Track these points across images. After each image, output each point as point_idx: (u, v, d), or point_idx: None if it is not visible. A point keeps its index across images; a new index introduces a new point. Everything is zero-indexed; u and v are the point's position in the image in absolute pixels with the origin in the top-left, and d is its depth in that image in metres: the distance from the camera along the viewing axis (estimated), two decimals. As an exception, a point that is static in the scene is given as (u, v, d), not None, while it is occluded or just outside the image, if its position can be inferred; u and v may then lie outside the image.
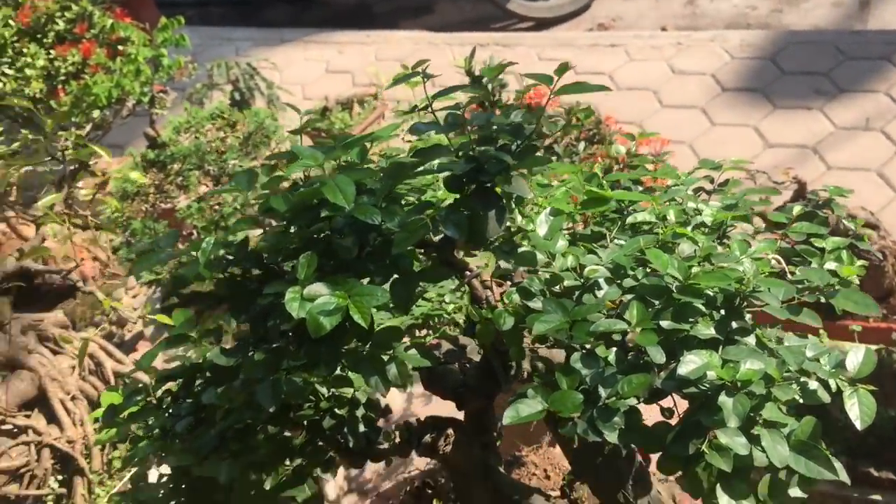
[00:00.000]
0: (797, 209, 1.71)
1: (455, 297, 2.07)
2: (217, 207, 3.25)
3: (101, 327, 3.30)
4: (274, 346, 1.24)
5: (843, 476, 1.13)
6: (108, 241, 3.78)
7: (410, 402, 3.52)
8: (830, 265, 1.58)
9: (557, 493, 2.14)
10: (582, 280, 1.28)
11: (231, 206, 2.83)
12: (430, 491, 2.11)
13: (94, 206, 2.93)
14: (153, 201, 3.50)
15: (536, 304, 1.24)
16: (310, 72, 6.13)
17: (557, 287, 1.29)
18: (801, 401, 1.20)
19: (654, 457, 1.22)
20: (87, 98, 3.90)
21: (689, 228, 1.52)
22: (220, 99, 3.96)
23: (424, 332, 2.03)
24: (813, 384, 1.23)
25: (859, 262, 1.63)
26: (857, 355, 1.21)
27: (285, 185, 1.39)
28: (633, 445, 1.61)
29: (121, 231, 3.20)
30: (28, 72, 3.96)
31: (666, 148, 2.84)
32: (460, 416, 1.65)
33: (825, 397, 1.22)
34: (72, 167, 2.75)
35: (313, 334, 1.11)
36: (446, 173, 1.28)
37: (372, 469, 3.28)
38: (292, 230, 1.28)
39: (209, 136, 3.29)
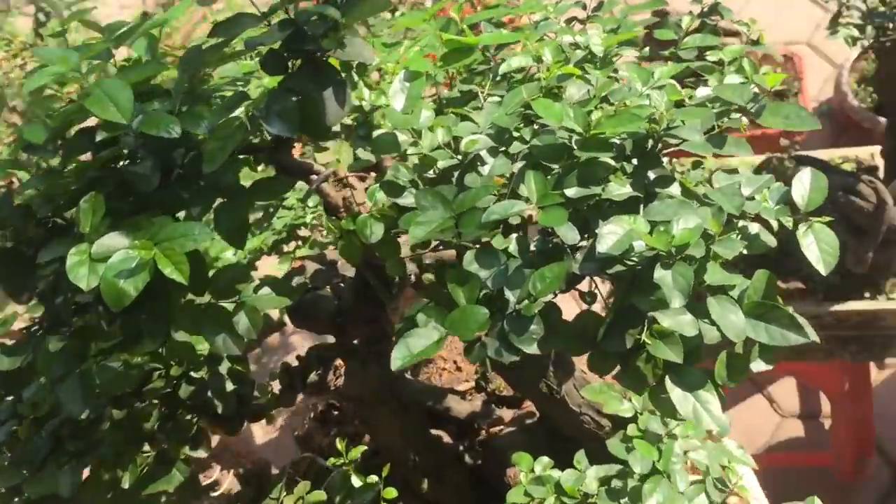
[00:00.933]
0: (686, 20, 1.43)
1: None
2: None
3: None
4: (78, 326, 0.90)
5: (813, 336, 0.90)
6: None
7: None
8: (733, 79, 1.34)
9: (472, 384, 1.92)
10: (459, 157, 0.97)
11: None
12: (336, 413, 1.84)
13: None
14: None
15: (409, 199, 0.93)
16: (122, -26, 5.39)
17: (432, 172, 0.99)
18: (745, 252, 0.96)
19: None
20: None
21: (571, 66, 1.23)
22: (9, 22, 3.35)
23: (294, 245, 1.70)
24: (753, 227, 0.99)
25: (764, 69, 1.39)
26: (803, 182, 0.96)
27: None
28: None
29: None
30: None
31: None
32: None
33: (771, 241, 0.98)
34: None
35: (114, 307, 0.78)
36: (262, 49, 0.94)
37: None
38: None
39: (4, 66, 2.76)
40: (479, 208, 0.88)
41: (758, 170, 2.28)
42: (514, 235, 0.94)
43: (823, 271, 0.90)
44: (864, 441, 2.38)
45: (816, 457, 2.49)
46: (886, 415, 2.47)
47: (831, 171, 2.24)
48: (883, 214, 2.16)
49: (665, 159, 1.02)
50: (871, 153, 2.45)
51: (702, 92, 1.31)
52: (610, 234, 0.89)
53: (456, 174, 0.99)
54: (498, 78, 1.14)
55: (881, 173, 2.38)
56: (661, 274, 0.86)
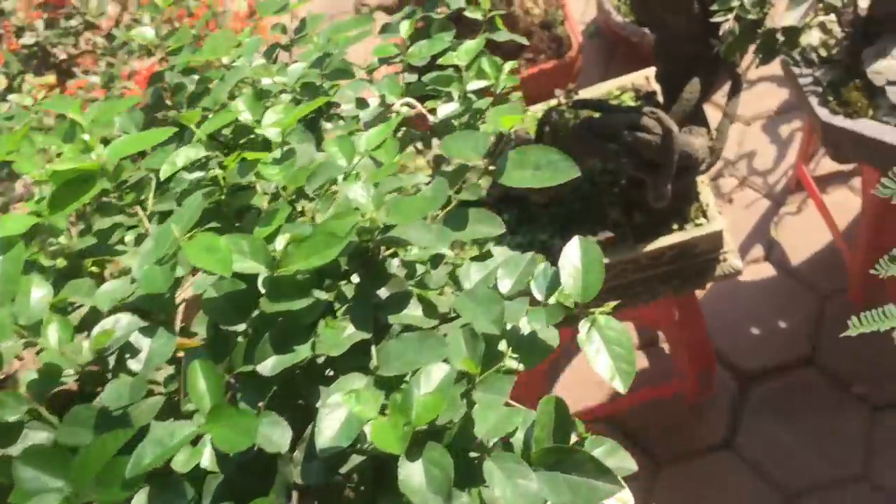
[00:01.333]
0: (405, 26, 1.12)
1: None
2: None
3: None
4: None
5: (632, 465, 0.65)
6: None
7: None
8: (475, 84, 1.06)
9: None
10: (96, 353, 0.63)
11: None
12: None
13: None
14: None
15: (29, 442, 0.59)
16: None
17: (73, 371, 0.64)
18: (521, 368, 0.69)
19: None
20: None
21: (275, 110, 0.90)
22: None
23: None
24: (524, 326, 0.71)
25: (508, 66, 1.11)
26: (571, 259, 0.68)
27: None
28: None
29: None
30: None
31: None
32: None
33: (553, 339, 0.71)
34: None
35: None
36: None
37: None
38: None
39: None
40: (123, 456, 0.55)
41: (540, 127, 2.04)
42: (207, 450, 0.62)
43: (622, 388, 0.64)
44: (704, 361, 2.28)
45: (664, 388, 2.37)
46: (715, 323, 2.38)
47: (613, 111, 2.04)
48: (672, 143, 1.99)
49: (396, 261, 0.72)
50: (646, 77, 2.27)
51: (445, 109, 1.04)
52: (331, 418, 0.59)
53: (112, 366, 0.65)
54: (164, 192, 0.79)
55: (659, 97, 2.22)
56: (406, 472, 0.57)
